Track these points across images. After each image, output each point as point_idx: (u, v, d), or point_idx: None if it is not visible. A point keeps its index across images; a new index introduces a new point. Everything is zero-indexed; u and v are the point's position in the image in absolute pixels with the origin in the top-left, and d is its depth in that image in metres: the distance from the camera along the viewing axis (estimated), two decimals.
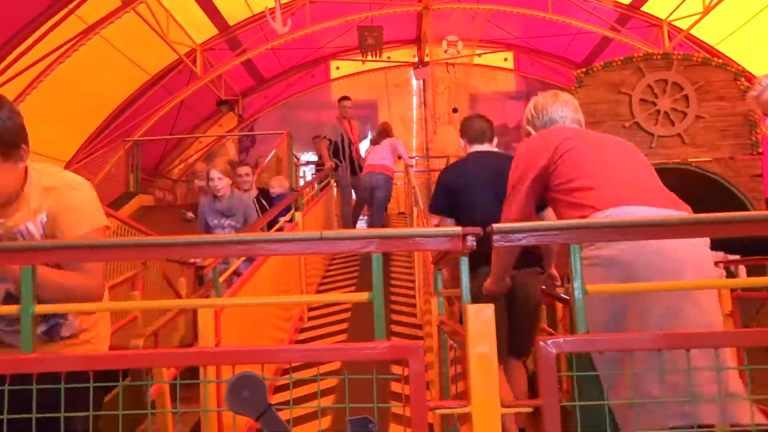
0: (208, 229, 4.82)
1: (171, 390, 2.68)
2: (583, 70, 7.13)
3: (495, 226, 1.34)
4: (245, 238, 1.48)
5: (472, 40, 11.81)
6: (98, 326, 1.85)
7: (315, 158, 10.84)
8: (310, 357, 1.45)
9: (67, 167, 10.63)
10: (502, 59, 14.26)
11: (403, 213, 10.51)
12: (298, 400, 3.36)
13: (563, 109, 2.24)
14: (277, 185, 6.52)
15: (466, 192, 3.11)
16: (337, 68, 14.20)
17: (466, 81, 13.00)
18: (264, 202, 5.98)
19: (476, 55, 13.11)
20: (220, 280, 3.39)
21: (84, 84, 9.45)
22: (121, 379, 1.95)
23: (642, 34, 11.00)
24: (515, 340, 2.89)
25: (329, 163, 7.59)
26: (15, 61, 8.01)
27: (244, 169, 5.92)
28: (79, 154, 10.69)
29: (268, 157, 10.03)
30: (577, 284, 1.33)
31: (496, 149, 3.32)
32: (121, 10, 8.22)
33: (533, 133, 2.28)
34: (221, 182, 4.63)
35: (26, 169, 1.70)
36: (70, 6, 7.99)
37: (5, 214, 1.68)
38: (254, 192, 5.89)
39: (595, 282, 1.66)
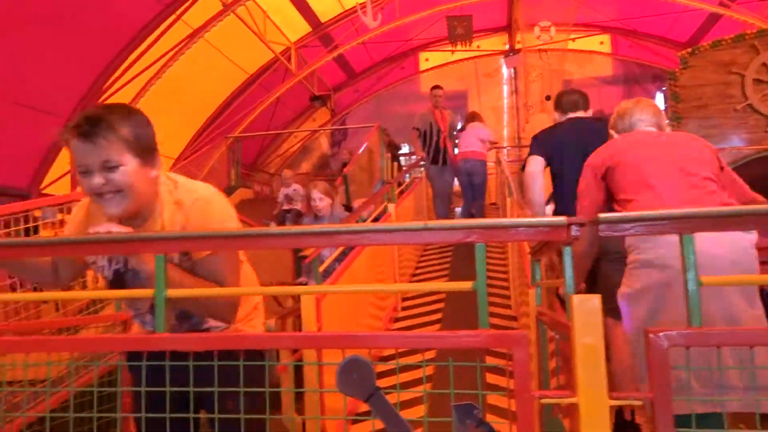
0: None
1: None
2: (689, 50, 6.75)
3: (601, 216, 1.33)
4: (354, 228, 1.55)
5: (566, 25, 11.42)
6: (252, 320, 1.95)
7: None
8: (415, 344, 1.50)
9: (175, 163, 11.36)
10: (598, 43, 13.70)
11: (495, 204, 10.37)
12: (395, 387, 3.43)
13: (643, 113, 2.46)
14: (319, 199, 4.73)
15: (555, 154, 3.33)
16: (427, 59, 14.20)
17: (559, 67, 12.61)
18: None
19: (570, 39, 12.65)
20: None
21: (189, 85, 10.05)
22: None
23: (755, 9, 10.20)
24: None
25: (419, 154, 7.59)
26: (131, 65, 8.64)
27: (316, 194, 4.73)
28: (186, 151, 11.39)
29: (360, 149, 10.22)
30: (690, 276, 1.29)
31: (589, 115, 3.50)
32: (222, 13, 8.65)
33: (615, 136, 2.51)
34: (322, 202, 4.48)
35: (158, 180, 1.75)
36: (177, 12, 8.51)
37: (139, 229, 1.74)
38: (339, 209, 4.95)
39: (637, 283, 2.04)
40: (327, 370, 2.84)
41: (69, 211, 6.75)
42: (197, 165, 11.08)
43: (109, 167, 1.64)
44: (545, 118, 12.42)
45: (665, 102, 13.27)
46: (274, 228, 1.53)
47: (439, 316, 5.14)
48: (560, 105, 3.57)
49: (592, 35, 13.46)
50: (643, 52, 13.36)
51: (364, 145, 9.39)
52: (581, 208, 2.41)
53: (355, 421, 3.29)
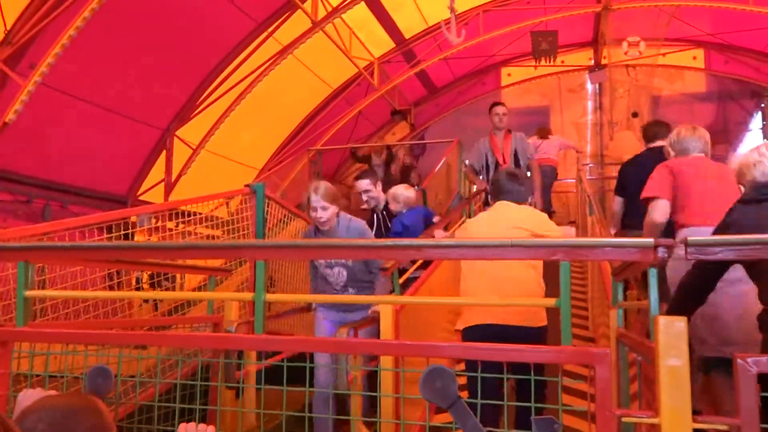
0: (315, 271, 3.78)
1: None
2: None
3: (689, 239, 1.33)
4: (442, 243, 1.63)
5: (657, 39, 11.05)
6: None
7: None
8: (499, 356, 1.54)
9: (259, 174, 11.85)
10: (691, 58, 13.12)
11: (573, 222, 10.14)
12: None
13: (695, 142, 3.11)
14: (393, 200, 4.84)
15: (630, 183, 3.94)
16: (509, 75, 14.10)
17: (648, 83, 12.19)
18: (387, 219, 4.87)
19: (660, 54, 12.23)
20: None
21: (277, 98, 10.49)
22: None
23: None
24: None
25: (480, 186, 6.26)
26: (224, 80, 9.14)
27: (361, 184, 4.70)
28: (270, 162, 11.85)
29: (438, 165, 10.28)
30: None
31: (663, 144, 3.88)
32: (311, 30, 8.99)
33: (672, 153, 3.20)
34: (325, 212, 3.50)
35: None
36: (269, 29, 8.93)
37: None
38: (381, 203, 4.84)
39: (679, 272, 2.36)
40: (400, 379, 2.92)
41: (163, 218, 7.24)
42: (280, 176, 11.52)
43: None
44: (630, 136, 12.03)
45: (764, 120, 12.54)
46: (374, 240, 1.62)
47: None
48: (645, 135, 4.34)
49: (684, 50, 12.93)
50: (739, 67, 12.70)
51: (443, 160, 9.45)
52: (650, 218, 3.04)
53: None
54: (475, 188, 6.61)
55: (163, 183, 9.57)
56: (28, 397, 1.70)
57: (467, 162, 6.39)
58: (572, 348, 1.34)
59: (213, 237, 5.60)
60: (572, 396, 3.42)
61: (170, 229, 6.40)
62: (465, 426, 1.48)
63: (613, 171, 11.09)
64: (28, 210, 7.88)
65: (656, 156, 3.69)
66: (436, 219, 5.12)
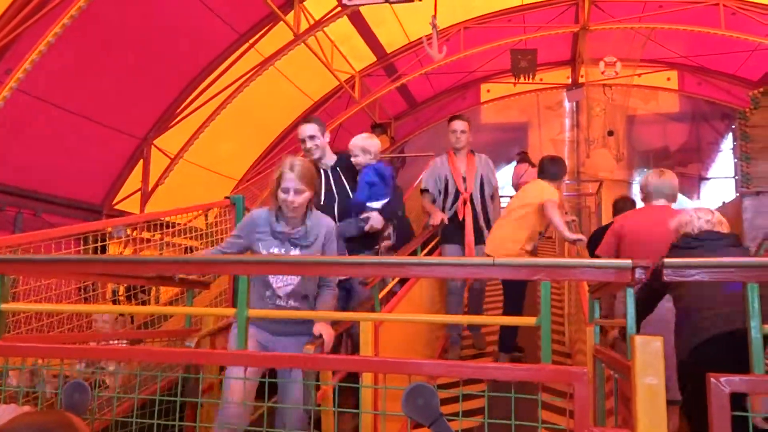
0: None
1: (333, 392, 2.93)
2: (761, 89, 6.57)
3: (666, 260, 1.37)
4: (424, 261, 1.64)
5: (633, 60, 11.31)
6: None
7: None
8: (477, 373, 1.56)
9: (238, 185, 11.79)
10: (665, 79, 13.45)
11: (550, 237, 10.25)
12: (448, 416, 3.46)
13: (660, 188, 3.68)
14: (363, 152, 3.92)
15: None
16: (488, 91, 14.29)
17: (623, 102, 12.45)
18: (343, 177, 3.95)
19: (636, 75, 12.52)
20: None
21: (257, 109, 10.46)
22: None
23: None
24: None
25: (434, 218, 4.92)
26: (204, 90, 9.09)
27: (306, 129, 3.89)
28: (249, 173, 11.79)
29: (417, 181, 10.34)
30: (754, 324, 1.32)
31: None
32: (293, 42, 9.01)
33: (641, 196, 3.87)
34: (298, 197, 2.81)
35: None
36: (251, 41, 8.93)
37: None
38: (330, 159, 4.00)
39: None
40: (379, 395, 2.91)
41: (141, 230, 7.13)
42: (259, 187, 11.45)
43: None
44: (606, 154, 12.27)
45: (734, 141, 12.88)
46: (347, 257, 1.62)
47: (493, 348, 5.14)
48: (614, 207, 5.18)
49: (658, 71, 13.25)
50: (711, 90, 13.04)
51: (421, 177, 9.49)
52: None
53: None
54: (429, 221, 5.08)
55: (139, 192, 9.45)
56: (1, 413, 1.67)
57: (423, 186, 5.03)
58: (552, 366, 1.36)
59: (191, 249, 5.54)
60: (551, 412, 3.45)
61: (147, 240, 6.33)
62: None
63: (590, 188, 11.27)
64: None
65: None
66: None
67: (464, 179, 4.97)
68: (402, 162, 13.93)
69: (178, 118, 9.23)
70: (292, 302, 2.79)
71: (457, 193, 4.95)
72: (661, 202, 3.66)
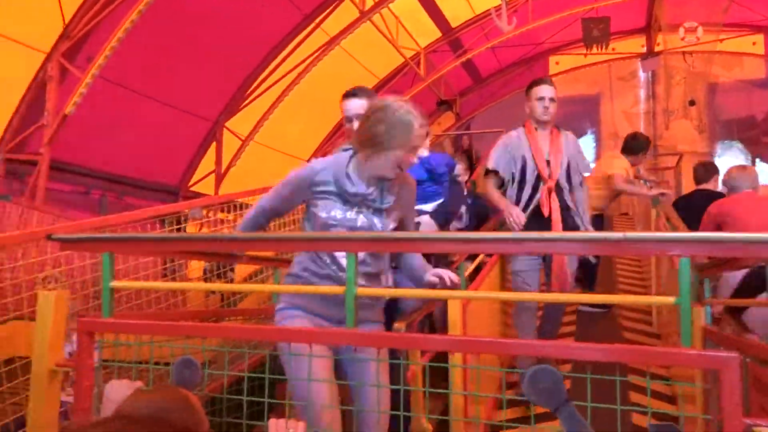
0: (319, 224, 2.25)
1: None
2: None
3: None
4: (529, 236, 1.54)
5: (716, 25, 10.61)
6: None
7: None
8: (603, 356, 1.45)
9: None
10: (750, 43, 12.57)
11: (626, 214, 9.85)
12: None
13: (745, 181, 3.82)
14: None
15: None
16: (557, 63, 13.77)
17: (705, 70, 11.73)
18: None
19: (718, 41, 11.75)
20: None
21: (324, 89, 10.46)
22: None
23: None
24: None
25: (511, 211, 3.54)
26: (272, 72, 9.17)
27: (353, 104, 2.64)
28: (316, 153, 11.88)
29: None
30: None
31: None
32: (358, 21, 8.94)
33: (725, 190, 4.01)
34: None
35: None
36: (317, 20, 8.91)
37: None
38: None
39: None
40: (468, 376, 2.84)
41: (215, 211, 7.26)
42: None
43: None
44: (687, 125, 11.63)
45: None
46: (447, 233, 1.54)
47: (572, 328, 4.98)
48: (694, 176, 4.77)
49: (743, 35, 12.40)
50: None
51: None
52: None
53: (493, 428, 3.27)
54: (505, 218, 3.61)
55: (213, 174, 9.68)
56: (115, 388, 1.69)
57: (490, 166, 3.74)
58: (694, 351, 1.24)
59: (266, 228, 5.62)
60: (640, 394, 3.29)
61: (221, 221, 6.47)
62: (574, 429, 1.40)
63: (668, 161, 10.73)
64: (85, 201, 8.08)
65: (704, 199, 4.17)
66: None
67: (548, 163, 3.60)
68: (468, 139, 13.67)
69: (248, 101, 9.36)
70: (362, 281, 2.08)
71: (539, 180, 3.57)
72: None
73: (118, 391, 1.67)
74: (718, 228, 3.49)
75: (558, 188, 3.57)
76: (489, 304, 4.01)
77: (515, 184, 3.63)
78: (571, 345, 1.46)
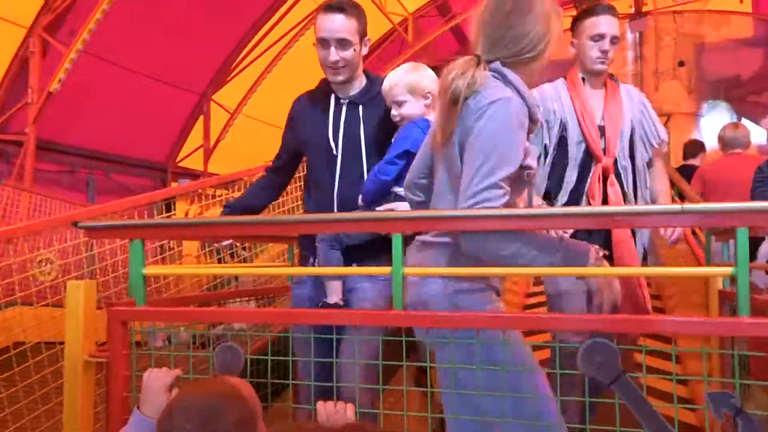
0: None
1: None
2: None
3: None
4: (600, 210, 1.51)
5: None
6: None
7: None
8: (655, 327, 1.45)
9: None
10: (738, 1, 12.53)
11: None
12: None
13: (736, 139, 4.30)
14: (408, 92, 2.10)
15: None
16: None
17: (695, 30, 11.69)
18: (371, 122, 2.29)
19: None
20: None
21: (312, 58, 10.23)
22: None
23: None
24: None
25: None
26: (258, 42, 8.97)
27: (333, 24, 2.15)
28: None
29: None
30: None
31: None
32: None
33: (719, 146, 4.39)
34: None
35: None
36: None
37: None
38: (358, 85, 2.27)
39: None
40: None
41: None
42: None
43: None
44: (677, 86, 11.62)
45: None
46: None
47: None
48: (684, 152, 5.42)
49: None
50: None
51: None
52: None
53: None
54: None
55: (201, 149, 9.53)
56: (153, 377, 1.66)
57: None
58: (751, 319, 1.23)
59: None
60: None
61: (212, 196, 6.37)
62: (631, 401, 1.40)
63: None
64: (73, 179, 7.93)
65: (690, 173, 4.56)
66: None
67: (602, 131, 2.34)
68: None
69: (235, 72, 9.16)
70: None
71: (588, 153, 2.33)
72: (737, 151, 4.29)
73: (156, 380, 1.64)
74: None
75: (618, 170, 2.33)
76: None
77: (547, 162, 2.35)
78: (630, 318, 1.45)
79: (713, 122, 12.66)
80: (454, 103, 1.48)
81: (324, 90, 2.29)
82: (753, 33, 12.63)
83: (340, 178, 2.14)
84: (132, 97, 8.09)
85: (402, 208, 2.00)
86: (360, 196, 2.09)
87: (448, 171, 1.54)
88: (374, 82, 2.23)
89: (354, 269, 2.03)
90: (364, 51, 2.25)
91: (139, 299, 1.70)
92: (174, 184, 9.36)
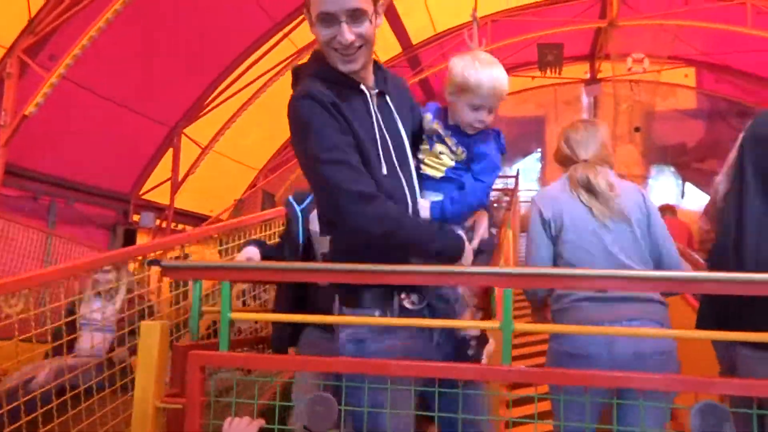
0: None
1: None
2: None
3: None
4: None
5: (660, 57, 11.31)
6: None
7: None
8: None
9: (258, 175, 11.65)
10: (682, 75, 13.49)
11: None
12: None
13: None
14: (498, 99, 1.80)
15: None
16: None
17: (649, 99, 12.48)
18: (398, 116, 1.81)
19: (657, 71, 12.54)
20: None
21: (283, 99, 10.29)
22: None
23: None
24: None
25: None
26: (235, 80, 8.94)
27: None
28: (270, 162, 11.66)
29: None
30: None
31: None
32: None
33: None
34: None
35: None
36: (285, 30, 8.78)
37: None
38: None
39: None
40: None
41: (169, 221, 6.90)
42: (280, 177, 11.35)
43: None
44: (633, 150, 12.30)
45: None
46: None
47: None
48: None
49: (676, 68, 13.28)
50: (731, 88, 13.11)
51: None
52: None
53: None
54: None
55: (168, 182, 9.30)
56: (234, 426, 1.60)
57: None
58: None
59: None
60: None
61: (173, 231, 6.20)
62: None
63: None
64: (34, 206, 7.56)
65: None
66: None
67: None
68: None
69: (209, 107, 9.08)
70: None
71: None
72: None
73: (236, 429, 1.58)
74: None
75: None
76: None
77: None
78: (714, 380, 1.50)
79: (660, 186, 13.48)
80: None
81: (342, 81, 1.63)
82: (696, 105, 13.60)
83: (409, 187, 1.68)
84: (104, 125, 7.87)
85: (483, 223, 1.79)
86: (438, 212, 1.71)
87: None
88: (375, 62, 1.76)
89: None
90: (380, 21, 1.64)
91: (223, 344, 1.64)
92: (136, 217, 9.07)
